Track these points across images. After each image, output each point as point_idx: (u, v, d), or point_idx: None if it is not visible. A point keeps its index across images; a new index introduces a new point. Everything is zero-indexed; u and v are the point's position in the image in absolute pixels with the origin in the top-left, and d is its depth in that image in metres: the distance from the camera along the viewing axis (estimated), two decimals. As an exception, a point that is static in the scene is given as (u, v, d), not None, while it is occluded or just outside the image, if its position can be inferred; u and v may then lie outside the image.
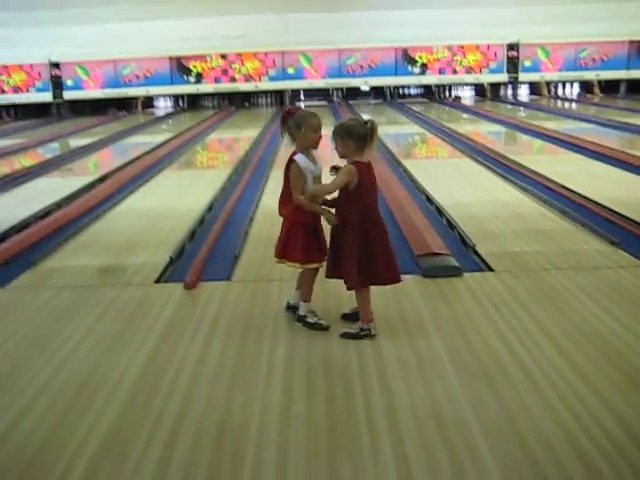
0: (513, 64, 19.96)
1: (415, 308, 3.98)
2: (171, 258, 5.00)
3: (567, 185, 7.36)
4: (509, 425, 2.72)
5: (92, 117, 18.38)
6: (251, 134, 13.41)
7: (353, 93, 20.52)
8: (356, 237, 3.43)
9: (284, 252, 3.66)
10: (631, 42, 19.97)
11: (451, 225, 5.90)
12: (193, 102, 20.20)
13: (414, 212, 6.21)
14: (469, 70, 19.91)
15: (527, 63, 19.97)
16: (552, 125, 13.42)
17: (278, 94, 20.16)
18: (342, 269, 3.48)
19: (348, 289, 3.56)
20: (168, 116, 18.63)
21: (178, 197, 7.43)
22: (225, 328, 3.72)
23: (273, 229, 6.02)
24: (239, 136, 13.98)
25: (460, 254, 5.00)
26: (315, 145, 3.57)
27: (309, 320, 3.64)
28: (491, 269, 4.67)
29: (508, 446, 2.58)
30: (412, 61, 19.63)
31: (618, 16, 19.22)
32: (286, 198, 3.62)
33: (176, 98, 20.17)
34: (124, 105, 19.51)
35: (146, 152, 11.17)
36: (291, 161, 3.55)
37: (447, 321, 3.77)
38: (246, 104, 20.22)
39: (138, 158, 10.55)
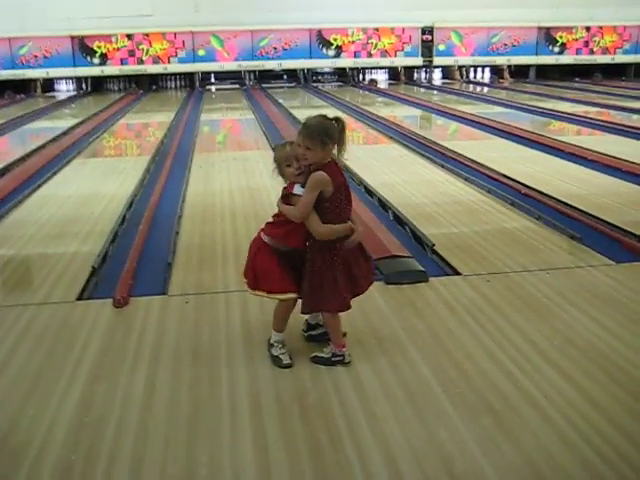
0: (428, 48, 19.86)
1: (386, 322, 3.51)
2: (94, 267, 4.31)
3: (505, 172, 7.16)
4: (528, 466, 2.33)
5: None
6: (164, 119, 12.58)
7: (266, 76, 19.86)
8: (339, 254, 2.91)
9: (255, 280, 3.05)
10: (539, 28, 20.30)
11: (399, 220, 5.49)
12: (97, 85, 18.89)
13: (358, 207, 5.73)
14: (384, 53, 19.64)
15: (441, 47, 19.92)
16: (472, 110, 13.34)
17: (188, 77, 19.21)
18: (323, 296, 2.93)
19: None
20: (70, 100, 17.31)
21: (93, 192, 6.62)
22: (170, 357, 3.12)
23: (205, 227, 5.51)
24: (151, 121, 13.07)
25: (417, 254, 4.58)
26: (293, 177, 2.94)
27: (272, 351, 3.09)
28: (457, 272, 4.27)
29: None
30: (327, 43, 19.15)
31: (528, 2, 19.49)
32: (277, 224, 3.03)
33: (79, 80, 18.74)
34: (22, 88, 18.00)
35: (51, 140, 10.17)
36: (289, 195, 2.94)
37: (426, 338, 3.33)
38: (154, 87, 19.15)
39: (43, 147, 9.55)
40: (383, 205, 6.01)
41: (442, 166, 7.65)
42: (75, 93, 18.54)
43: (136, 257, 4.49)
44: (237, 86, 19.26)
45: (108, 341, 3.30)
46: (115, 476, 2.30)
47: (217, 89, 19.33)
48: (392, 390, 2.80)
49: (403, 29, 19.47)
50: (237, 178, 7.16)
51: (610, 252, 4.59)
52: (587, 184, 6.70)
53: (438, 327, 3.45)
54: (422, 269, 4.17)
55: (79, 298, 3.89)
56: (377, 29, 19.33)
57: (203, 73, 19.03)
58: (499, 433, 2.53)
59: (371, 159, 8.21)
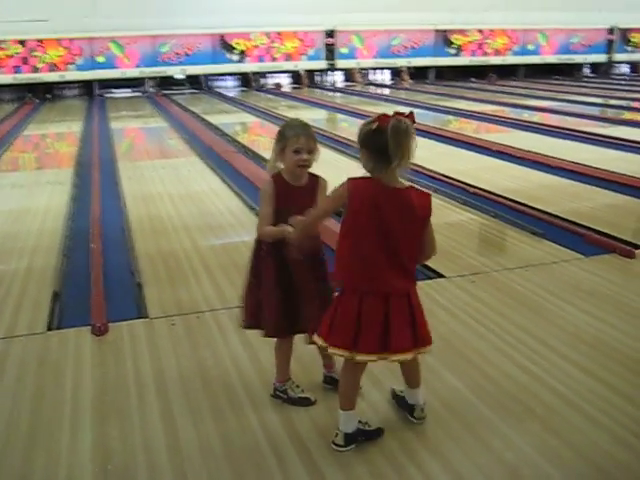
0: (330, 51, 19.96)
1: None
2: (56, 293, 3.93)
3: (443, 172, 7.23)
4: (591, 468, 2.28)
5: None
6: (72, 129, 11.90)
7: (168, 82, 19.26)
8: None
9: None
10: (437, 31, 20.88)
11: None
12: (-15, 95, 17.65)
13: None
14: (288, 57, 19.55)
15: (343, 50, 20.06)
16: (381, 110, 13.45)
17: (85, 84, 18.28)
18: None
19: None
20: (-43, 111, 16.06)
21: (23, 208, 6.07)
22: (179, 388, 2.84)
23: (160, 242, 5.17)
24: (58, 132, 12.24)
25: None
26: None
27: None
28: (439, 274, 4.21)
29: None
30: (230, 48, 18.83)
31: (425, 6, 19.98)
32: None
33: (-35, 90, 17.45)
34: None
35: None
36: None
37: (437, 343, 3.21)
38: (48, 96, 18.09)
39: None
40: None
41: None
42: (-38, 104, 17.24)
43: (100, 278, 4.13)
44: (138, 93, 18.57)
45: (101, 376, 2.97)
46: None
47: (116, 97, 18.53)
48: (432, 406, 2.66)
49: (306, 33, 19.46)
50: (174, 187, 6.82)
51: (574, 245, 4.69)
52: (522, 180, 6.92)
53: (444, 331, 3.36)
54: (409, 273, 4.08)
55: (49, 328, 3.51)
56: (280, 33, 19.22)
57: (101, 80, 18.15)
58: (551, 437, 2.47)
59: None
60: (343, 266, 2.33)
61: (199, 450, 2.41)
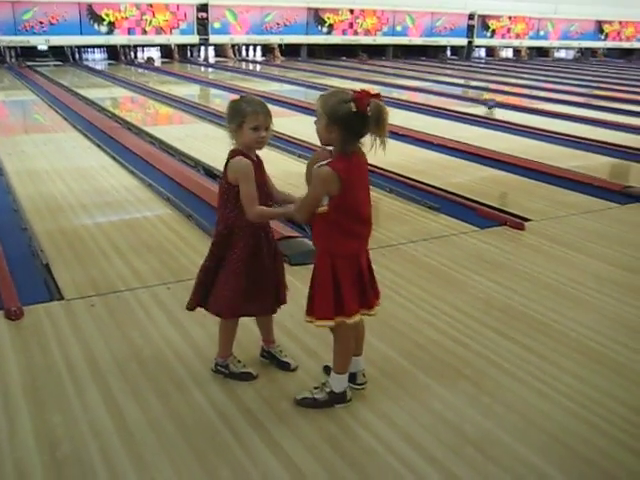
0: (203, 26, 19.58)
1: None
2: (-48, 278, 3.66)
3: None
4: (525, 422, 2.49)
5: None
6: None
7: (30, 53, 18.10)
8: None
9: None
10: (309, 9, 21.03)
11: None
12: None
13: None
14: (159, 30, 18.96)
15: (216, 25, 19.74)
16: (269, 88, 13.47)
17: None
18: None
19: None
20: None
21: None
22: (116, 370, 2.76)
23: (60, 221, 4.92)
24: None
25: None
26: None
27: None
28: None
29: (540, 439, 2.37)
30: (98, 19, 17.95)
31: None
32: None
33: None
34: None
35: None
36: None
37: (368, 318, 3.34)
38: None
39: None
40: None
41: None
42: None
43: (2, 260, 3.88)
44: (-5, 64, 17.33)
45: (27, 362, 2.82)
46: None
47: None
48: (370, 373, 2.78)
49: (178, 6, 18.94)
50: (61, 164, 6.50)
51: (467, 218, 5.00)
52: (407, 156, 7.22)
53: (367, 304, 3.48)
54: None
55: (-47, 315, 3.27)
56: (151, 5, 18.57)
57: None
58: (483, 395, 2.66)
59: (189, 138, 7.84)
60: (337, 239, 2.42)
61: (152, 431, 2.37)
